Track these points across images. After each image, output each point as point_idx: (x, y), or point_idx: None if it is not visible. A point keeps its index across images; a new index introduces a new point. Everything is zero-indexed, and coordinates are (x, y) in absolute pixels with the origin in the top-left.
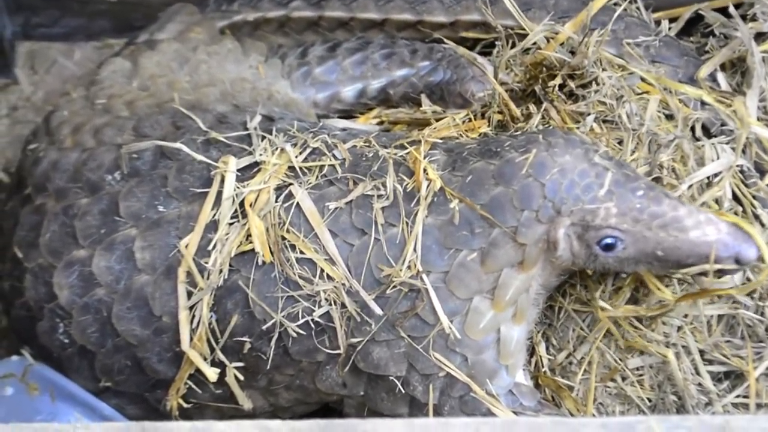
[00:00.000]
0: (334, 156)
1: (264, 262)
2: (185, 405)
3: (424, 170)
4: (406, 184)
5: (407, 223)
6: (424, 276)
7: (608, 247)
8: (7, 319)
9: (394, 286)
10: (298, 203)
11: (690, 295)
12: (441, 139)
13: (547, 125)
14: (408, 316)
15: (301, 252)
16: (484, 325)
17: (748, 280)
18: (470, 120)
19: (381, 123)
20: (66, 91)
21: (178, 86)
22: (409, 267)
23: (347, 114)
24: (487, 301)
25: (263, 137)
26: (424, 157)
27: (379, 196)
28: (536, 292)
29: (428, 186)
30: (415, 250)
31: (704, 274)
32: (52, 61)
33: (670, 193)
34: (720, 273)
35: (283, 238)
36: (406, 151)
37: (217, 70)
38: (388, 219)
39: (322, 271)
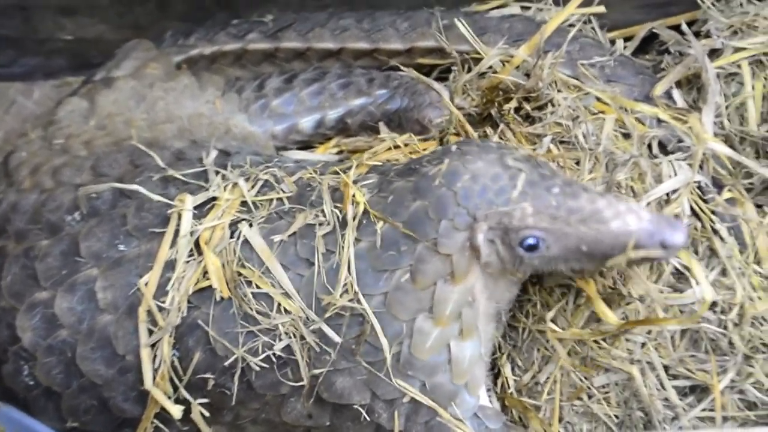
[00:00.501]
0: (281, 189)
1: (222, 298)
2: None
3: (353, 194)
4: (341, 209)
5: (342, 248)
6: (362, 298)
7: (531, 248)
8: None
9: (335, 311)
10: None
11: (633, 323)
12: (382, 162)
13: None
14: (360, 341)
15: (257, 287)
16: (430, 344)
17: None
18: (414, 142)
19: (340, 152)
20: (24, 132)
21: (136, 124)
22: (346, 291)
23: (306, 144)
24: (430, 320)
25: (218, 173)
26: (358, 181)
27: (320, 224)
28: (487, 307)
29: (355, 209)
30: (349, 272)
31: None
32: (11, 101)
33: (590, 187)
34: (647, 261)
35: (239, 274)
36: (339, 176)
37: (173, 107)
38: (328, 246)
39: (279, 304)
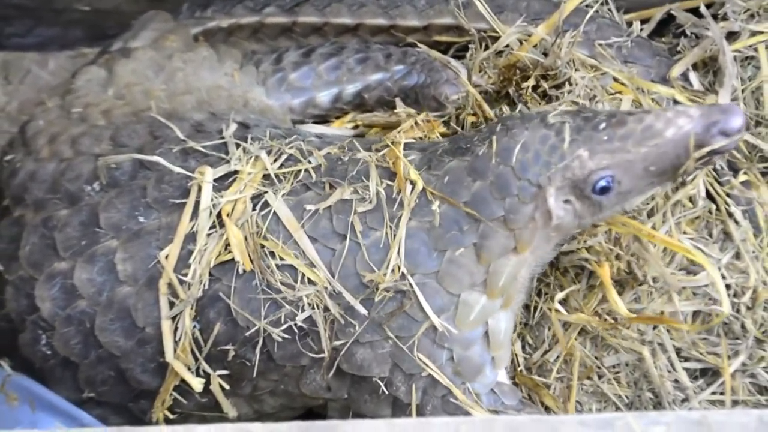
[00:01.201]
0: (309, 161)
1: (245, 271)
2: (171, 416)
3: (406, 170)
4: (387, 187)
5: (390, 227)
6: (409, 277)
7: (604, 190)
8: None
9: (379, 291)
10: (275, 210)
11: (643, 318)
12: (412, 139)
13: None
14: (395, 315)
15: (281, 258)
16: (474, 316)
17: (723, 277)
18: (429, 120)
19: (356, 127)
20: (41, 101)
21: (154, 94)
22: (393, 271)
23: (322, 119)
24: (477, 292)
25: (238, 145)
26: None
27: (360, 200)
28: (526, 275)
29: (412, 188)
30: (399, 254)
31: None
32: (26, 70)
33: (635, 110)
34: (717, 154)
35: (262, 246)
36: (383, 152)
37: (192, 78)
38: (370, 223)
39: (304, 275)
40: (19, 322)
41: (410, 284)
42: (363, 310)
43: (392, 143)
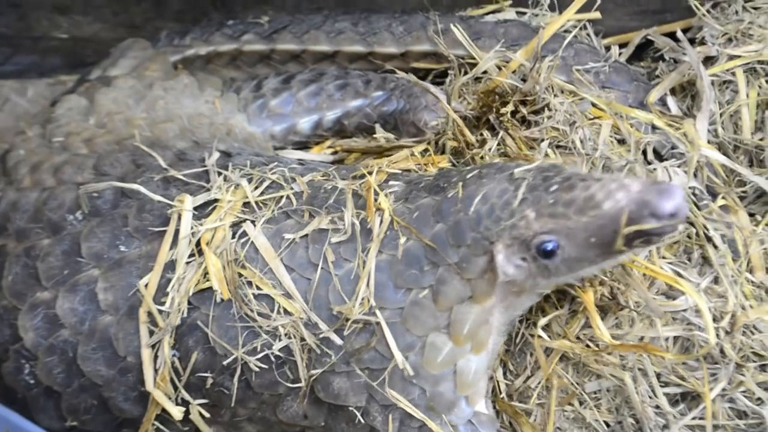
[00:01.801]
0: (291, 188)
1: (222, 299)
2: None
3: (376, 199)
4: (362, 218)
5: (363, 260)
6: (378, 312)
7: (548, 254)
8: None
9: (348, 324)
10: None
11: (627, 346)
12: (401, 170)
13: (502, 152)
14: (362, 351)
15: (258, 288)
16: (442, 359)
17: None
18: (430, 154)
19: (335, 152)
20: (20, 129)
21: (136, 123)
22: (362, 303)
23: (302, 145)
24: (444, 336)
25: (219, 173)
26: (382, 187)
27: (336, 230)
28: (502, 320)
29: (380, 216)
30: (368, 286)
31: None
32: (4, 98)
33: (590, 175)
34: (653, 236)
35: (240, 275)
36: (363, 180)
37: (173, 106)
38: (344, 254)
39: (280, 305)
40: (2, 351)
41: (379, 322)
42: (339, 341)
43: (368, 172)
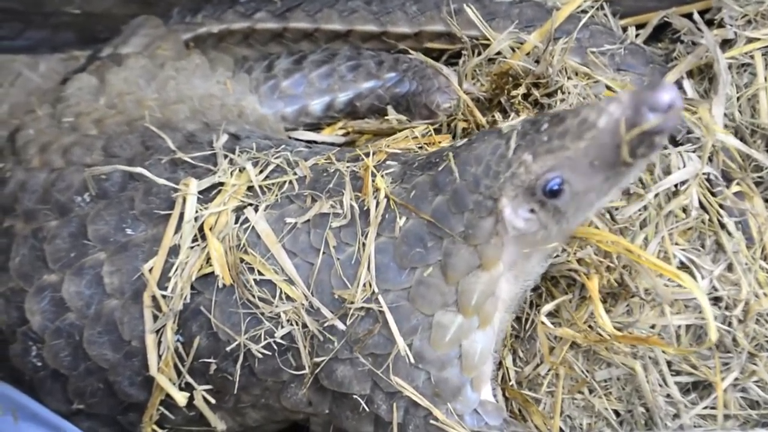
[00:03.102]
0: (295, 173)
1: (225, 285)
2: (160, 431)
3: (373, 180)
4: (361, 200)
5: (363, 243)
6: (380, 298)
7: (555, 193)
8: None
9: (352, 310)
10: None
11: (630, 338)
12: (400, 150)
13: None
14: (366, 338)
15: (260, 273)
16: (450, 337)
17: (714, 289)
18: (431, 134)
19: (347, 134)
20: (31, 108)
21: (146, 104)
22: (364, 288)
23: (314, 126)
24: (451, 312)
25: (226, 156)
26: (378, 168)
27: (336, 215)
28: (510, 291)
29: (376, 196)
30: (369, 270)
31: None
32: (16, 73)
33: (580, 108)
34: (656, 136)
35: (242, 260)
36: (361, 162)
37: (184, 87)
38: (344, 238)
39: (282, 291)
40: (10, 333)
41: (382, 308)
42: (342, 327)
43: (365, 154)
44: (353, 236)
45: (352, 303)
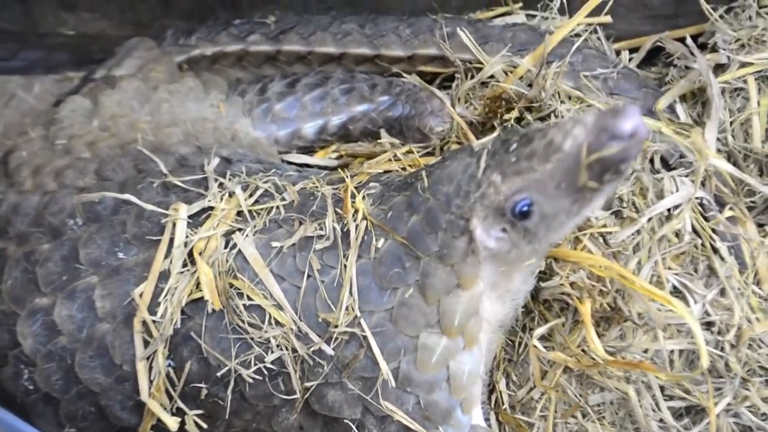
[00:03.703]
0: (283, 198)
1: (214, 310)
2: None
3: (353, 201)
4: (343, 222)
5: (344, 265)
6: (362, 322)
7: (525, 215)
8: None
9: (335, 335)
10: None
11: (621, 363)
12: (383, 172)
13: None
14: (353, 363)
15: (249, 298)
16: (436, 359)
17: (707, 314)
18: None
19: (340, 157)
20: (24, 130)
21: (140, 126)
22: (347, 311)
23: (307, 150)
24: (436, 334)
25: (217, 180)
26: (360, 189)
27: (319, 237)
28: (494, 312)
29: (355, 218)
30: (351, 293)
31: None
32: (11, 94)
33: (547, 128)
34: (618, 163)
35: (231, 285)
36: (340, 185)
37: (178, 110)
38: (327, 261)
39: (271, 316)
40: (1, 356)
41: (365, 332)
42: (330, 351)
43: (347, 175)
44: (336, 258)
45: (336, 327)
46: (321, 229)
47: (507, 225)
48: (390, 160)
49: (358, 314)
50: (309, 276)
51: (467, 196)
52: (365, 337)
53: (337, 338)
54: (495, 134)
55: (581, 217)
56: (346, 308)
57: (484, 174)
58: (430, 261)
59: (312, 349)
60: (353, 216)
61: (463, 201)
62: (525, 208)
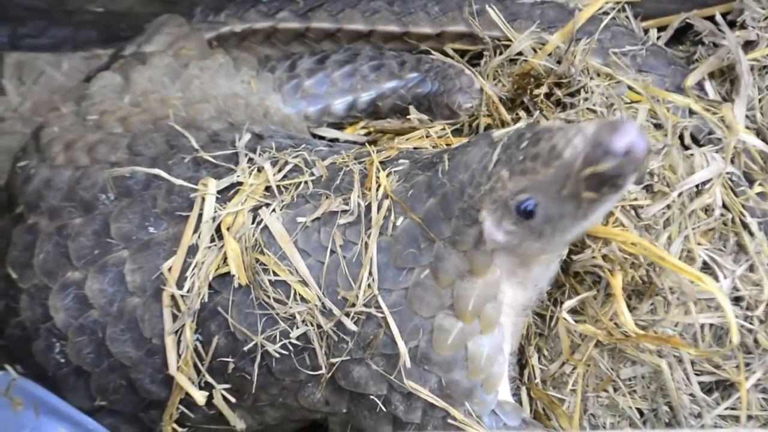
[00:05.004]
0: (311, 173)
1: (241, 285)
2: (180, 430)
3: (377, 177)
4: (368, 199)
5: (365, 243)
6: (380, 301)
7: (528, 213)
8: (1, 338)
9: (353, 314)
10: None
11: (651, 337)
12: (413, 148)
13: None
14: (374, 342)
15: (275, 274)
16: (452, 340)
17: (736, 289)
18: (448, 135)
19: (368, 133)
20: (55, 106)
21: (171, 102)
22: (366, 289)
23: (337, 126)
24: (452, 316)
25: (247, 156)
26: (387, 165)
27: (344, 212)
28: (517, 296)
29: (378, 197)
30: (370, 273)
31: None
32: (39, 71)
33: (558, 125)
34: (613, 179)
35: (258, 261)
36: (365, 159)
37: (209, 86)
38: (349, 237)
39: (296, 292)
40: (33, 330)
41: (383, 311)
42: (353, 327)
43: (373, 150)
44: (357, 235)
45: (353, 305)
46: (346, 204)
47: (515, 220)
48: (422, 137)
49: (376, 292)
50: (332, 252)
51: (478, 186)
52: (382, 319)
53: (354, 316)
54: (517, 125)
55: (590, 221)
56: (365, 287)
57: (494, 167)
58: (443, 245)
59: (335, 324)
60: (376, 192)
61: (474, 191)
62: (529, 208)
